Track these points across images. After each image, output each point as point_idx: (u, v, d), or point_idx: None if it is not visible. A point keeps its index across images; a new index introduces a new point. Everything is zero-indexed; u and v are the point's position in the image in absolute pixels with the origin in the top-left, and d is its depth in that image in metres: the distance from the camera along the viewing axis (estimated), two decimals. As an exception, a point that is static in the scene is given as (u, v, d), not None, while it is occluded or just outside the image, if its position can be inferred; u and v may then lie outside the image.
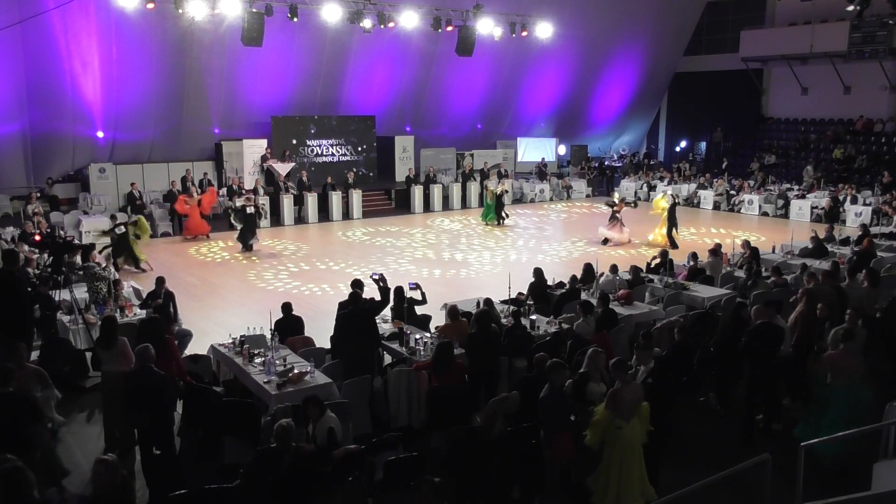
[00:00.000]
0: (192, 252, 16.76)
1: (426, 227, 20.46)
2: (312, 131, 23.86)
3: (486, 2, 21.25)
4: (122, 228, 14.44)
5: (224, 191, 21.11)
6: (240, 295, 13.27)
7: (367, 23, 19.72)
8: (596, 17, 26.31)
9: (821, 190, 23.05)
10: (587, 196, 27.10)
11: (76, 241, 13.41)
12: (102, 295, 9.94)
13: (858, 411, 6.61)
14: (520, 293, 10.51)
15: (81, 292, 10.06)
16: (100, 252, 12.83)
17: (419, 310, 9.66)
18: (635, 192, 25.18)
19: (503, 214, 20.63)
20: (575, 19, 25.25)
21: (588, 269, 11.38)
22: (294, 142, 23.30)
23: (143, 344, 6.57)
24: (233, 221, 17.29)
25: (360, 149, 24.80)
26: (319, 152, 24.05)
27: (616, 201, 18.41)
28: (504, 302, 10.01)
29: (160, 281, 9.87)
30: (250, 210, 16.62)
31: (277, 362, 7.42)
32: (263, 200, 20.23)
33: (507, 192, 21.97)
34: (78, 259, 11.21)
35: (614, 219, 17.96)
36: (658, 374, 6.57)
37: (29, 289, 9.02)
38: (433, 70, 25.25)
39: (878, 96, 25.89)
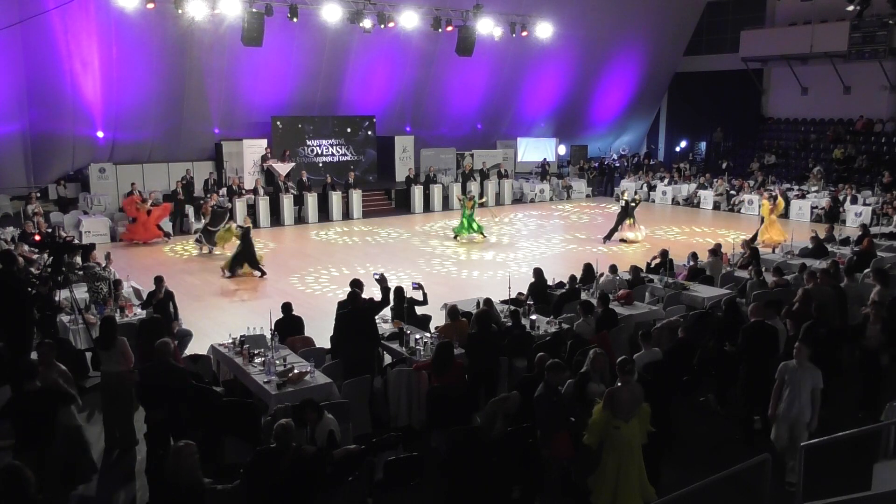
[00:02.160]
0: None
1: (426, 227, 20.44)
2: (312, 131, 23.87)
3: (486, 2, 21.24)
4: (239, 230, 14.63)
5: (224, 191, 21.10)
6: (240, 294, 13.27)
7: (367, 23, 19.71)
8: (596, 17, 26.30)
9: (821, 190, 23.06)
10: (587, 196, 27.12)
11: (76, 241, 13.41)
12: (103, 295, 9.94)
13: None
14: (520, 293, 10.51)
15: (81, 292, 10.07)
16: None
17: (419, 310, 9.67)
18: (635, 192, 25.18)
19: (475, 225, 18.27)
20: (575, 19, 25.24)
21: (588, 269, 11.39)
22: (294, 142, 23.31)
23: (163, 339, 6.66)
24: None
25: (360, 149, 24.80)
26: (319, 152, 24.05)
27: (632, 198, 18.47)
28: (504, 302, 10.02)
29: (159, 280, 9.84)
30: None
31: (277, 362, 7.42)
32: (263, 200, 20.27)
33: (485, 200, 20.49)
34: (78, 259, 11.20)
35: (629, 216, 17.91)
36: (658, 373, 6.57)
37: (30, 289, 9.02)
38: (433, 70, 25.24)
39: (878, 96, 25.90)
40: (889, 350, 7.85)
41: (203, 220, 16.94)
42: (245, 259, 14.35)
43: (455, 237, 18.22)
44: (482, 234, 18.21)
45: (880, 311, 7.99)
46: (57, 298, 9.76)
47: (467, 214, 18.05)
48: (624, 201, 18.19)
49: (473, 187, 24.30)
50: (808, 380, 6.37)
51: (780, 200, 19.18)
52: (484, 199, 19.79)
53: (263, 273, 14.36)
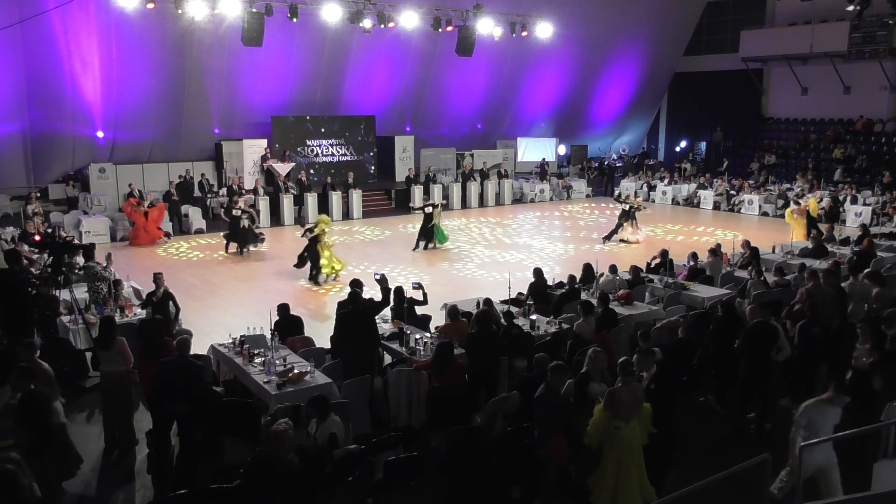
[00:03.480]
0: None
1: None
2: (312, 131, 23.87)
3: (486, 2, 21.24)
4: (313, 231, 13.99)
5: (224, 191, 21.13)
6: (240, 295, 13.27)
7: (367, 23, 19.71)
8: (596, 17, 26.31)
9: (821, 190, 23.05)
10: (587, 196, 27.12)
11: (76, 241, 13.41)
12: (103, 295, 9.94)
13: None
14: (520, 293, 10.51)
15: (81, 292, 10.07)
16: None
17: (419, 310, 9.67)
18: (635, 193, 25.18)
19: (432, 239, 17.12)
20: (575, 19, 25.25)
21: (588, 269, 11.39)
22: (294, 142, 23.30)
23: (183, 336, 6.80)
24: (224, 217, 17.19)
25: (360, 149, 24.80)
26: (319, 152, 24.06)
27: (633, 200, 18.45)
28: (504, 302, 10.02)
29: (158, 277, 9.83)
30: (235, 213, 16.36)
31: (277, 362, 7.42)
32: (263, 200, 20.26)
33: (442, 204, 18.35)
34: (79, 259, 11.20)
35: (630, 217, 17.90)
36: (660, 377, 6.56)
37: (30, 289, 9.02)
38: (433, 70, 25.24)
39: (878, 96, 25.89)
40: (881, 372, 7.08)
41: (251, 223, 16.60)
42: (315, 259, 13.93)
43: (437, 245, 17.15)
44: (427, 247, 17.08)
45: (868, 329, 7.18)
46: (60, 298, 9.75)
47: (440, 221, 17.23)
48: (627, 205, 18.18)
49: (473, 187, 24.32)
50: (835, 418, 5.83)
51: (811, 201, 18.93)
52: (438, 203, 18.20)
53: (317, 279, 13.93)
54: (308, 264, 14.10)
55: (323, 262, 13.89)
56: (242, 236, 16.43)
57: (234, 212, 16.42)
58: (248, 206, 17.05)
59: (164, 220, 18.18)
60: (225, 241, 16.73)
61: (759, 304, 8.10)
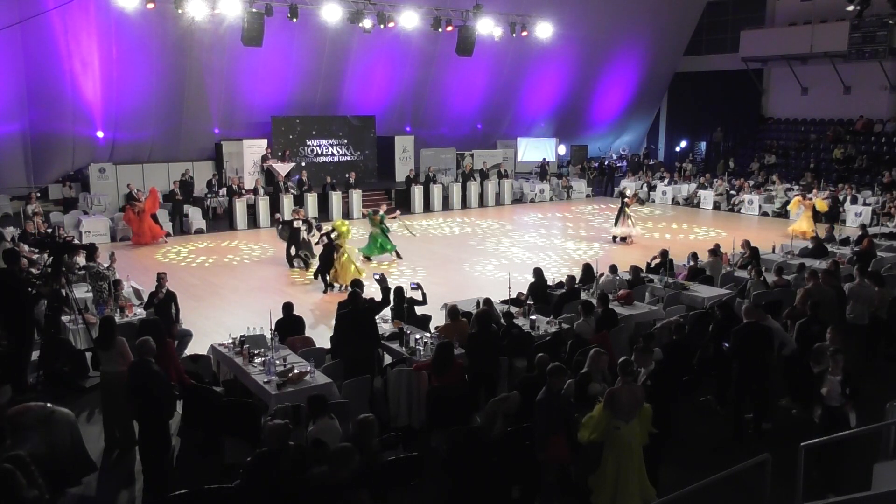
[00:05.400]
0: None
1: (425, 225, 20.45)
2: (312, 131, 23.87)
3: (486, 2, 21.24)
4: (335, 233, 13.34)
5: (224, 191, 21.12)
6: (240, 295, 13.27)
7: (367, 23, 19.72)
8: (596, 17, 26.30)
9: (821, 190, 23.04)
10: (587, 196, 27.13)
11: (76, 241, 13.41)
12: (105, 295, 9.94)
13: None
14: (520, 293, 10.52)
15: (82, 292, 10.07)
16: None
17: (419, 310, 9.67)
18: (635, 191, 25.17)
19: (388, 245, 15.76)
20: (575, 19, 25.24)
21: (587, 269, 11.39)
22: (294, 142, 23.31)
23: (144, 337, 6.54)
24: (280, 237, 15.98)
25: (360, 149, 24.81)
26: (319, 152, 24.05)
27: (628, 194, 18.43)
28: (504, 302, 10.02)
29: (161, 277, 9.83)
30: (296, 224, 15.20)
31: (277, 362, 7.42)
32: (263, 200, 20.25)
33: (396, 216, 17.38)
34: (79, 259, 11.19)
35: (624, 214, 17.90)
36: (657, 375, 6.56)
37: (30, 289, 9.02)
38: (433, 70, 25.24)
39: (878, 96, 25.90)
40: (852, 402, 6.41)
41: (308, 232, 15.16)
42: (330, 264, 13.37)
43: (367, 258, 15.60)
44: (397, 254, 15.86)
45: (839, 360, 6.38)
46: (69, 296, 9.73)
47: (374, 232, 15.63)
48: (623, 196, 18.22)
49: (473, 187, 24.33)
50: None
51: (817, 200, 18.90)
52: (395, 215, 17.24)
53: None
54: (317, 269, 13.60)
55: (339, 268, 13.32)
56: (304, 247, 15.32)
57: (294, 223, 15.27)
58: (302, 215, 15.78)
59: (159, 206, 18.06)
60: (287, 257, 15.37)
61: (752, 304, 8.10)
